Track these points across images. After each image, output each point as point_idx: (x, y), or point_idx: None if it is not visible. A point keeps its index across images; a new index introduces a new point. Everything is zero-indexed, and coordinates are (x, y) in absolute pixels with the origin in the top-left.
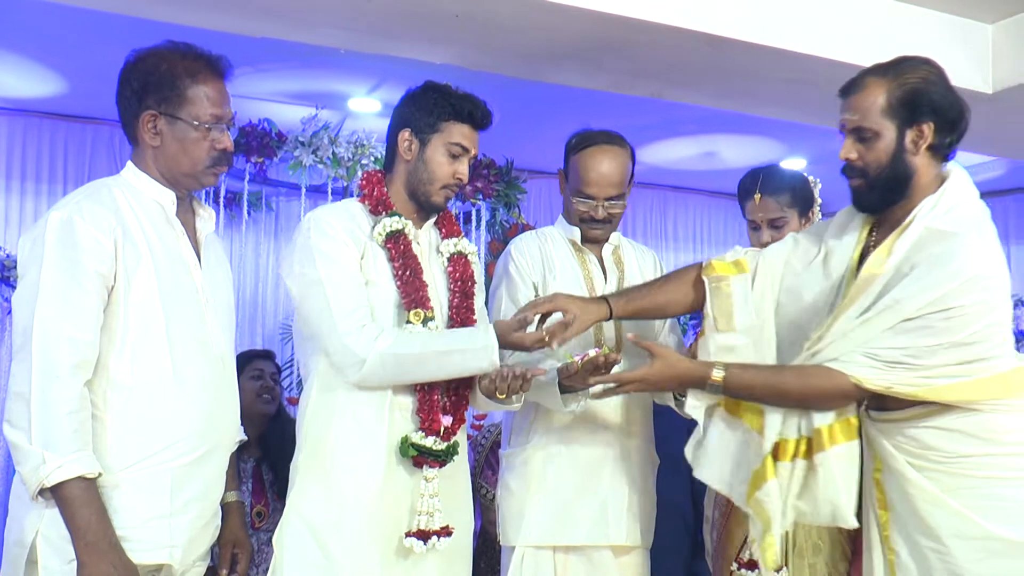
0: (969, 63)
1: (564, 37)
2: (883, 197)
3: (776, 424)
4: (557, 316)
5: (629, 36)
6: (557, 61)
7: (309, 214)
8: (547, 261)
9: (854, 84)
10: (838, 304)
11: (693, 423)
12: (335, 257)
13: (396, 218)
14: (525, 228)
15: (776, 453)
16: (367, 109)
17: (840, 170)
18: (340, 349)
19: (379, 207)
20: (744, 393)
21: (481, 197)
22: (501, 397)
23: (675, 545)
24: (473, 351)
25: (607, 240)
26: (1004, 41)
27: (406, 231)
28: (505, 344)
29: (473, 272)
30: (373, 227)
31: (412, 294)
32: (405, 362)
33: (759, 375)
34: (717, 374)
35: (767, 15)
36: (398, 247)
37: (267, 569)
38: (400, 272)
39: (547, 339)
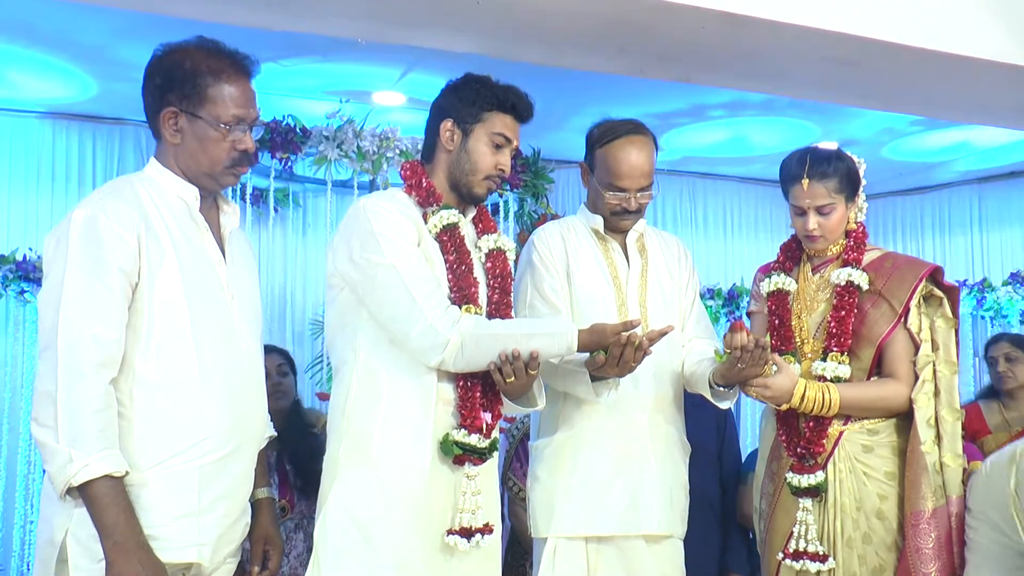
0: (1006, 35)
1: (587, 21)
2: None
3: None
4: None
5: (653, 18)
6: (581, 46)
7: (360, 201)
8: (570, 250)
9: None
10: None
11: (723, 413)
12: (400, 242)
13: (451, 211)
14: (553, 218)
15: None
16: (392, 103)
17: None
18: (424, 331)
19: (429, 199)
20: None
21: (509, 188)
22: (510, 380)
23: (705, 535)
24: (555, 335)
25: (631, 228)
26: None
27: (460, 225)
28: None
29: (511, 269)
30: (426, 218)
31: (465, 289)
32: (488, 344)
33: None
34: None
35: None
36: (453, 240)
37: (296, 556)
38: (455, 266)
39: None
